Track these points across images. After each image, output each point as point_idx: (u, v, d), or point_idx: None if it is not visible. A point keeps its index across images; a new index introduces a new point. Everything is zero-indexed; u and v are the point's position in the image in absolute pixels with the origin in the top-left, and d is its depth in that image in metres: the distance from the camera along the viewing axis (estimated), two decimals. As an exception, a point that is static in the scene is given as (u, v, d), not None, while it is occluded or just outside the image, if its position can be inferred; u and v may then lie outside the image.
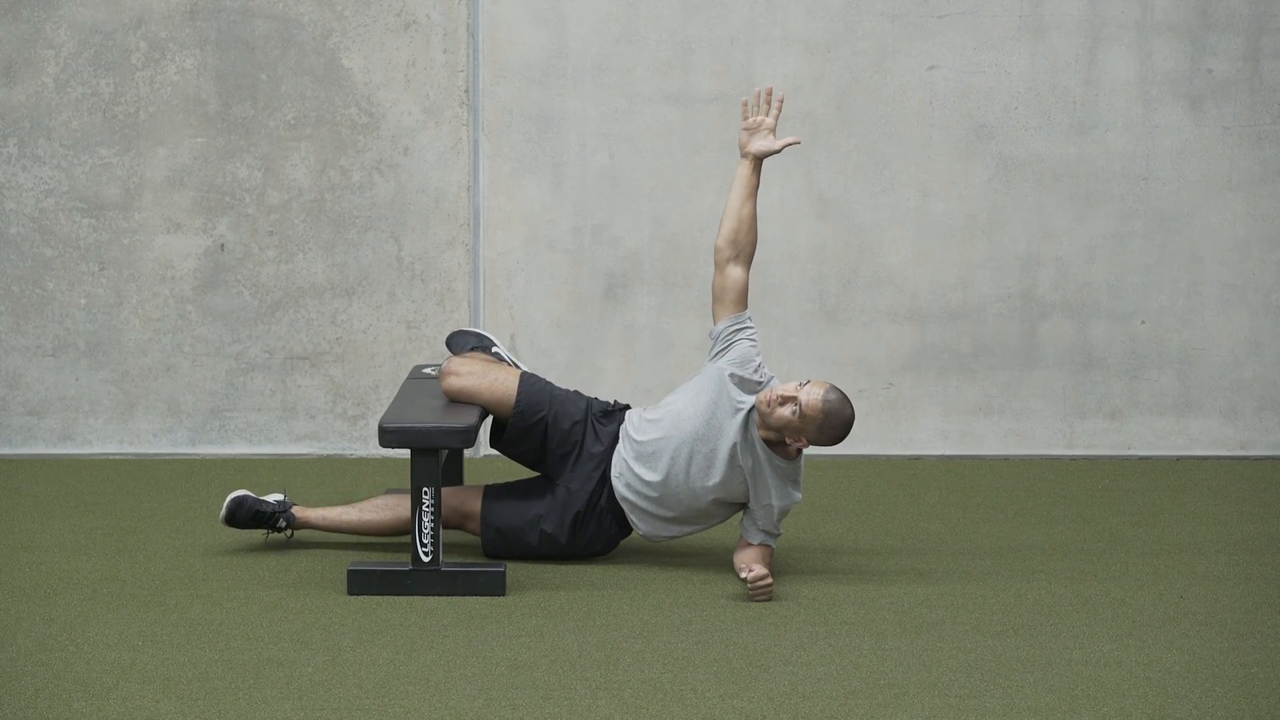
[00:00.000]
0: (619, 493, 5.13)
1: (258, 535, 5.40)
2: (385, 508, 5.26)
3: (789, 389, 4.92)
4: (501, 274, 6.56)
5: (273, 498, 5.30)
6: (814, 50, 6.50)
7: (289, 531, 5.31)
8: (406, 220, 6.51)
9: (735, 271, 5.12)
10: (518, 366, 5.40)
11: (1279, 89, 6.54)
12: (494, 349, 5.57)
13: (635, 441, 5.12)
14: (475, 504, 5.21)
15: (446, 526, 5.23)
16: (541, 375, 5.39)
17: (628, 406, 5.28)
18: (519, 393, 5.17)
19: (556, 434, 5.17)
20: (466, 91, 6.48)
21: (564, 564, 5.19)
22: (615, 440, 5.17)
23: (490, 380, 5.18)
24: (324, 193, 6.50)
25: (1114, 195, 6.59)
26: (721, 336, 5.10)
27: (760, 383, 5.06)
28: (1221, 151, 6.56)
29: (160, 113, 6.45)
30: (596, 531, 5.18)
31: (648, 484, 5.09)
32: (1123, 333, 6.63)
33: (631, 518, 5.15)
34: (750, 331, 5.10)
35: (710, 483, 5.04)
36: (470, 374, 5.19)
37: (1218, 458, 6.66)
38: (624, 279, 6.59)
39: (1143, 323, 6.63)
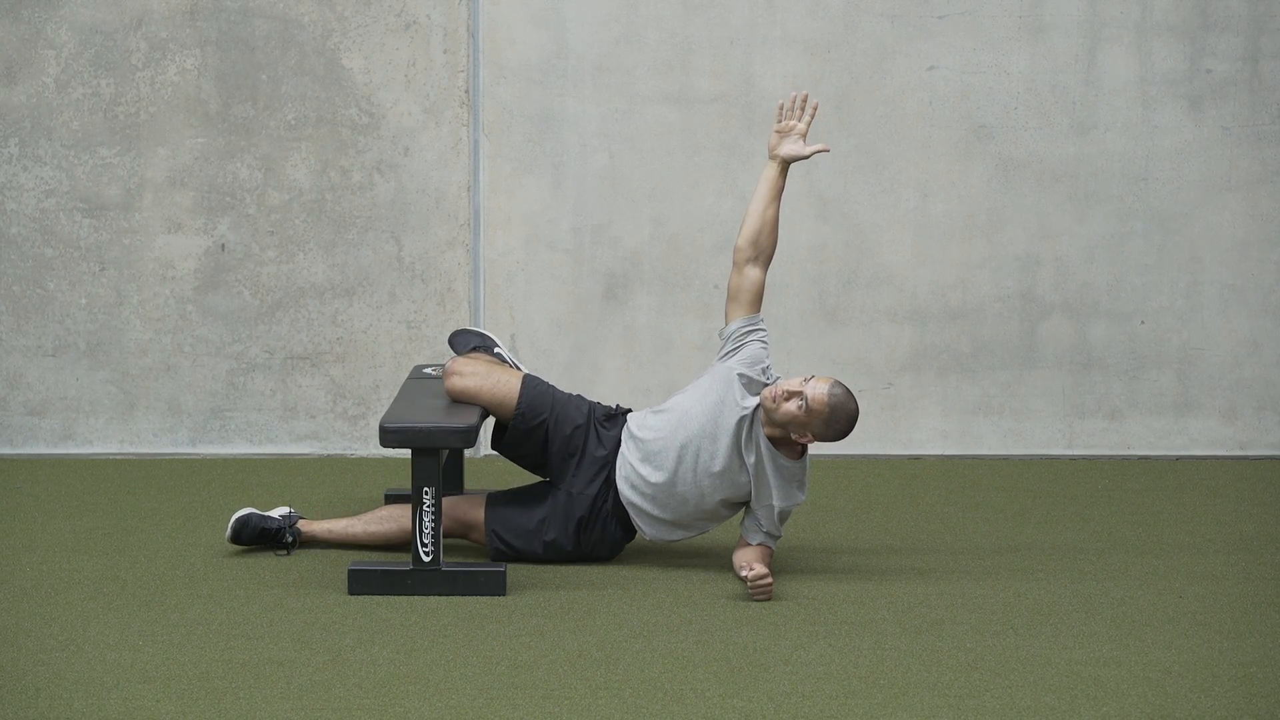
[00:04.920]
0: (624, 495, 5.13)
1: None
2: (390, 519, 5.26)
3: (794, 384, 4.92)
4: (501, 274, 6.56)
5: (277, 512, 5.29)
6: (814, 50, 6.50)
7: (290, 548, 5.27)
8: (407, 220, 6.52)
9: (753, 272, 5.13)
10: (519, 369, 5.40)
11: (1278, 89, 6.54)
12: (495, 349, 5.57)
13: (640, 441, 5.12)
14: (478, 513, 5.20)
15: (450, 536, 5.23)
16: (543, 378, 5.38)
17: (630, 410, 5.28)
18: (521, 395, 5.17)
19: (558, 438, 5.17)
20: (466, 92, 6.48)
21: (564, 564, 5.19)
22: (618, 444, 5.17)
23: (493, 382, 5.19)
24: (324, 193, 6.50)
25: (1113, 195, 6.59)
26: (733, 337, 5.11)
27: (768, 384, 5.07)
28: (1221, 152, 6.57)
29: (161, 113, 6.45)
30: (601, 536, 5.17)
31: (654, 485, 5.09)
32: (1122, 333, 6.63)
33: (637, 521, 5.14)
34: (762, 334, 5.12)
35: (716, 482, 5.04)
36: (473, 374, 5.20)
37: (1217, 458, 6.67)
38: (624, 279, 6.59)
39: (1142, 323, 6.64)
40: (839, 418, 4.93)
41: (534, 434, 5.16)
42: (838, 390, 4.93)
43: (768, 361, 5.11)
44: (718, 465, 5.03)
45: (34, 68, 6.42)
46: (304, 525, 5.30)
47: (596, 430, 5.20)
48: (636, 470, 5.10)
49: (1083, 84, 6.54)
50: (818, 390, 4.91)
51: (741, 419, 5.02)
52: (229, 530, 5.24)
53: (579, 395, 5.30)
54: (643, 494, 5.11)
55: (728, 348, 5.12)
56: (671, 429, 5.09)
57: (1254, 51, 6.53)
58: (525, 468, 5.28)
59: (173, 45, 6.43)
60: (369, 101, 6.47)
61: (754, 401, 5.02)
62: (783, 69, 6.48)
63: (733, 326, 5.12)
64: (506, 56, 6.48)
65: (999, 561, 5.30)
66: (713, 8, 6.49)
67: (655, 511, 5.12)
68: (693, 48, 6.51)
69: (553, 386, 5.25)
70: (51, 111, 6.44)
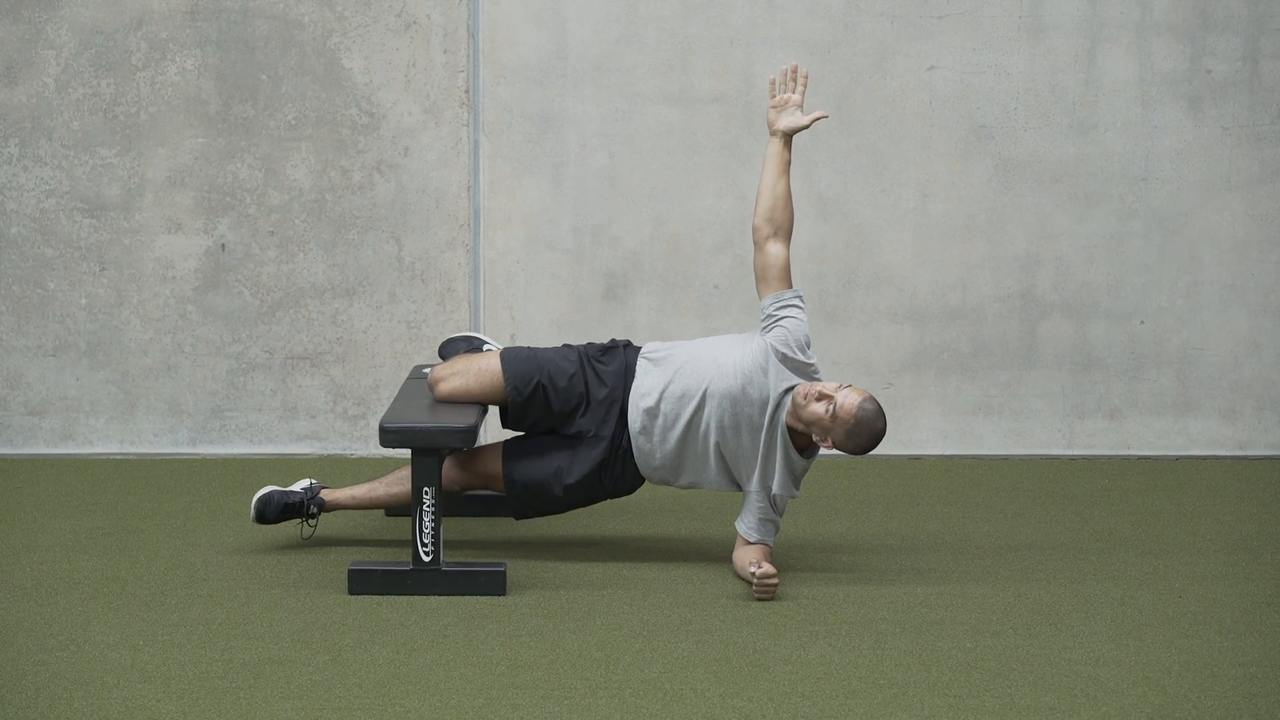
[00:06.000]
0: (633, 433, 5.09)
1: (262, 535, 5.41)
2: (410, 478, 5.25)
3: (829, 387, 4.91)
4: (501, 274, 6.56)
5: (299, 485, 5.31)
6: (814, 50, 6.50)
7: (316, 518, 5.30)
8: (407, 220, 6.52)
9: (775, 248, 5.13)
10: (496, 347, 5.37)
11: (1278, 89, 6.55)
12: (486, 346, 5.57)
13: (663, 377, 5.07)
14: (497, 464, 5.19)
15: (471, 488, 5.23)
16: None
17: (628, 343, 5.24)
18: (505, 370, 5.16)
19: (557, 393, 5.14)
20: (467, 92, 6.48)
21: (564, 563, 5.20)
22: (623, 376, 5.14)
23: (475, 371, 5.19)
24: (324, 193, 6.50)
25: (1113, 195, 6.60)
26: (766, 314, 5.09)
27: (809, 364, 5.05)
28: (1220, 152, 6.57)
29: (161, 113, 6.45)
30: (623, 472, 5.14)
31: (666, 429, 5.05)
32: (1122, 333, 6.64)
33: (637, 460, 5.12)
34: (796, 310, 5.07)
35: (726, 446, 5.03)
36: (453, 374, 5.20)
37: (1216, 457, 6.67)
38: (624, 279, 6.59)
39: (1142, 323, 6.64)
40: (861, 431, 4.90)
41: (535, 398, 5.14)
42: (868, 406, 4.90)
43: (803, 334, 5.05)
44: (733, 431, 5.00)
45: (34, 68, 6.42)
46: (326, 494, 5.31)
47: (594, 370, 5.16)
48: (647, 407, 5.05)
49: (1082, 84, 6.54)
50: (848, 400, 4.89)
51: (772, 397, 5.00)
52: (252, 511, 5.24)
53: (565, 344, 5.28)
54: (648, 434, 5.08)
55: (764, 324, 5.10)
56: (702, 378, 5.04)
57: (1254, 51, 6.53)
58: (543, 433, 5.22)
59: (173, 45, 6.43)
60: (369, 101, 6.47)
61: (789, 383, 5.00)
62: (782, 69, 6.47)
63: (763, 304, 5.10)
64: (506, 56, 6.48)
65: (999, 561, 5.31)
66: (713, 8, 6.50)
67: (658, 456, 5.08)
68: (693, 48, 6.51)
69: (532, 348, 5.23)
70: (51, 112, 6.44)
